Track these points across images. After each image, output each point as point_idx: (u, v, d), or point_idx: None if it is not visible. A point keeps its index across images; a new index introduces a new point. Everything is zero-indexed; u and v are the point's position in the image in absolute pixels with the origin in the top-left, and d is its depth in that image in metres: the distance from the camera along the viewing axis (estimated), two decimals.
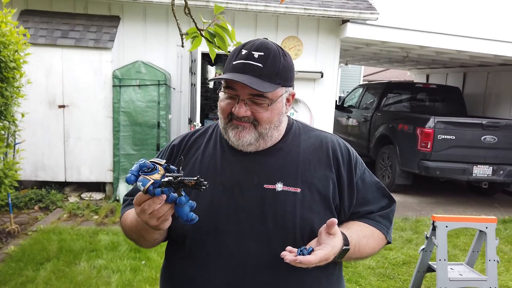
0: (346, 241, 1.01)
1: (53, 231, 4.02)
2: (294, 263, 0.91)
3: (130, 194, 1.22)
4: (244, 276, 1.02)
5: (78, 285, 3.05)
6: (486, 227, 3.15)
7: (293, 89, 1.11)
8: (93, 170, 5.29)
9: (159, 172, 0.89)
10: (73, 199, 5.12)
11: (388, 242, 1.20)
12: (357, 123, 8.23)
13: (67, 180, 5.27)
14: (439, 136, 5.76)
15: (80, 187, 5.44)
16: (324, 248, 0.94)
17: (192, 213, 0.91)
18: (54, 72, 5.08)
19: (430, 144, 5.79)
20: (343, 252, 1.00)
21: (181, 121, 5.90)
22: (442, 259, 3.05)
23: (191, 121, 5.65)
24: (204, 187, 0.84)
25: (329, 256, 0.95)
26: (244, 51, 1.03)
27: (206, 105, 8.69)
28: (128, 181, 0.89)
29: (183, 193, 0.88)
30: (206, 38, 1.42)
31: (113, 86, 5.10)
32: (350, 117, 8.62)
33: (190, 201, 0.91)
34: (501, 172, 5.83)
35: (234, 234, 1.04)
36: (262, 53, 1.02)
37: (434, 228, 3.12)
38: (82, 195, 5.27)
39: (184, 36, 1.49)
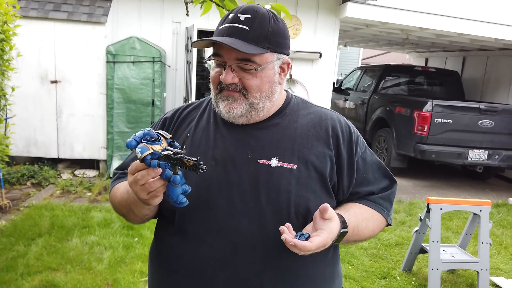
0: (344, 224, 0.98)
1: (45, 207, 3.99)
2: (289, 246, 0.88)
3: (121, 168, 1.17)
4: (234, 252, 0.99)
5: (70, 260, 3.03)
6: (480, 210, 3.15)
7: (288, 57, 1.05)
8: (87, 147, 5.23)
9: (162, 144, 0.85)
10: (66, 176, 5.08)
11: (388, 224, 1.17)
12: (354, 105, 8.17)
13: (60, 157, 5.22)
14: (436, 119, 5.72)
15: (73, 164, 5.39)
16: (321, 234, 0.91)
17: (183, 196, 0.87)
18: (46, 46, 4.95)
19: (427, 127, 5.76)
20: (341, 235, 0.97)
21: (176, 99, 5.82)
22: (435, 240, 3.05)
23: (186, 99, 5.57)
24: (202, 171, 0.80)
25: (326, 242, 0.91)
26: (231, 15, 0.99)
27: (202, 85, 8.58)
28: (128, 146, 0.85)
29: (179, 172, 0.84)
30: (215, 3, 1.35)
31: (107, 62, 4.99)
32: (347, 100, 8.55)
33: (185, 184, 0.87)
34: (497, 156, 5.83)
35: (225, 209, 1.00)
36: (249, 16, 0.97)
37: (428, 211, 3.11)
38: (75, 172, 5.23)
39: (190, 3, 1.41)
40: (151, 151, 0.83)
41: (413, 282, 3.07)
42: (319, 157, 1.03)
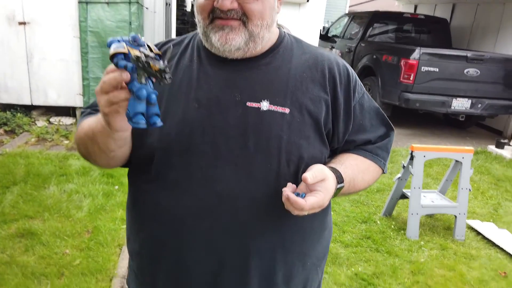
0: (340, 179, 0.92)
1: (20, 155, 3.84)
2: (284, 199, 0.83)
3: (90, 106, 1.04)
4: (218, 202, 0.90)
5: (48, 208, 2.96)
6: (463, 157, 3.17)
7: None
8: (61, 93, 4.98)
9: (144, 52, 0.69)
10: (41, 123, 4.88)
11: (384, 173, 1.11)
12: (340, 54, 7.98)
13: (33, 104, 4.97)
14: (422, 68, 5.63)
15: (49, 111, 5.16)
16: (316, 195, 0.84)
17: (157, 117, 0.72)
18: None
19: (413, 76, 5.67)
20: (337, 191, 0.91)
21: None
22: (417, 187, 3.08)
23: None
24: (166, 80, 0.67)
25: (323, 203, 0.85)
26: None
27: (183, 30, 8.21)
28: (108, 44, 0.71)
29: (146, 82, 0.69)
30: None
31: (79, 2, 4.63)
32: (333, 47, 8.33)
33: (157, 108, 0.72)
34: (479, 105, 5.85)
35: (208, 156, 0.90)
36: None
37: (412, 158, 3.11)
38: (51, 120, 5.02)
39: None
40: (125, 50, 0.69)
41: (392, 226, 3.13)
42: (314, 101, 0.94)
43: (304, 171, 0.88)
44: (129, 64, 0.69)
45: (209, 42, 0.90)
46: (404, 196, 3.28)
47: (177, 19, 6.58)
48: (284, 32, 1.02)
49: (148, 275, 1.02)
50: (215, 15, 0.86)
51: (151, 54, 0.69)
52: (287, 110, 0.91)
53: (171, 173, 0.92)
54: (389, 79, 6.06)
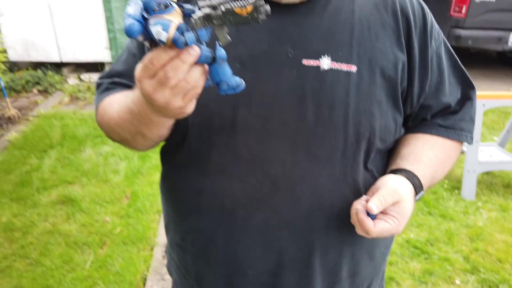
0: (419, 188, 0.74)
1: (54, 116, 3.81)
2: (351, 212, 0.70)
3: (107, 76, 0.84)
4: (273, 189, 0.72)
5: (85, 173, 2.93)
6: None
7: None
8: (89, 49, 4.82)
9: (176, 10, 0.50)
10: (72, 81, 4.81)
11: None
12: None
13: (62, 61, 4.87)
14: None
15: (78, 68, 5.06)
16: (389, 221, 0.69)
17: (236, 76, 0.57)
18: None
19: (466, 8, 5.05)
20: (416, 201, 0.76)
21: None
22: (474, 140, 2.78)
23: None
24: (266, 15, 0.49)
25: (396, 231, 0.70)
26: None
27: None
28: (129, 33, 0.49)
29: (228, 38, 0.52)
30: None
31: None
32: None
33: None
34: None
35: (257, 131, 0.71)
36: None
37: None
38: (81, 76, 4.93)
39: None
40: (176, 23, 0.49)
41: (445, 185, 2.89)
42: (386, 52, 0.72)
43: (376, 148, 0.73)
44: (201, 33, 0.50)
45: None
46: None
47: None
48: None
49: (193, 272, 0.88)
50: None
51: (220, 0, 0.49)
52: (354, 68, 0.70)
53: (213, 154, 0.74)
54: (437, 13, 5.36)
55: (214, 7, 0.48)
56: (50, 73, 4.75)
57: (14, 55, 4.72)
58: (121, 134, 0.74)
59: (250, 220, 0.75)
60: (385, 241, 0.89)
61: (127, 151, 3.23)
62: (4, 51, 4.22)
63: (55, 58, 4.82)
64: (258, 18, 0.49)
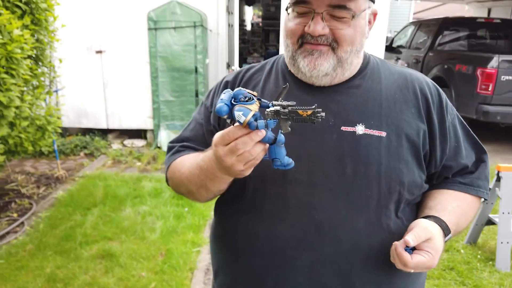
0: (447, 230, 0.86)
1: (98, 177, 4.09)
2: (392, 248, 0.82)
3: (179, 140, 1.05)
4: (318, 232, 0.86)
5: (124, 230, 3.09)
6: None
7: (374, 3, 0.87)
8: (134, 117, 5.27)
9: (256, 103, 0.71)
10: (116, 146, 5.19)
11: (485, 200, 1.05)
12: (406, 64, 7.62)
13: (109, 128, 5.32)
14: (502, 77, 5.18)
15: (122, 134, 5.48)
16: (424, 254, 0.80)
17: (288, 157, 0.76)
18: (88, 15, 4.93)
19: (492, 86, 5.23)
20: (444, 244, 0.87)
21: (218, 65, 5.66)
22: (506, 212, 2.78)
23: (229, 65, 5.41)
24: (320, 119, 0.69)
25: (431, 264, 0.80)
26: None
27: (243, 49, 8.35)
28: (219, 112, 0.70)
29: (288, 129, 0.73)
30: None
31: (149, 29, 4.90)
32: (399, 59, 7.99)
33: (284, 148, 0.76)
34: None
35: (305, 184, 0.87)
36: None
37: (498, 179, 2.82)
38: (125, 142, 5.32)
39: None
40: (253, 111, 0.69)
41: (478, 256, 2.84)
42: (410, 123, 0.89)
43: (405, 199, 0.85)
44: (269, 122, 0.71)
45: (296, 66, 0.88)
46: (490, 222, 2.98)
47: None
48: (367, 54, 0.98)
49: None
50: (304, 40, 0.85)
51: (286, 102, 0.70)
52: (383, 134, 0.87)
53: (266, 202, 0.90)
54: (464, 91, 5.64)
55: (283, 107, 0.69)
56: (97, 138, 5.16)
57: (67, 122, 5.20)
58: (188, 187, 0.93)
59: (297, 260, 0.88)
60: (418, 284, 0.99)
61: (164, 210, 3.40)
62: (58, 118, 4.68)
63: (103, 125, 5.28)
64: (314, 120, 0.69)
